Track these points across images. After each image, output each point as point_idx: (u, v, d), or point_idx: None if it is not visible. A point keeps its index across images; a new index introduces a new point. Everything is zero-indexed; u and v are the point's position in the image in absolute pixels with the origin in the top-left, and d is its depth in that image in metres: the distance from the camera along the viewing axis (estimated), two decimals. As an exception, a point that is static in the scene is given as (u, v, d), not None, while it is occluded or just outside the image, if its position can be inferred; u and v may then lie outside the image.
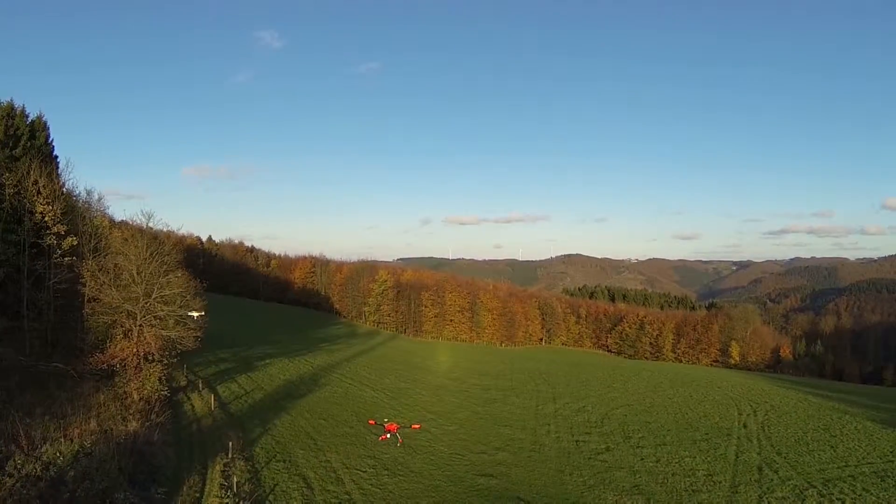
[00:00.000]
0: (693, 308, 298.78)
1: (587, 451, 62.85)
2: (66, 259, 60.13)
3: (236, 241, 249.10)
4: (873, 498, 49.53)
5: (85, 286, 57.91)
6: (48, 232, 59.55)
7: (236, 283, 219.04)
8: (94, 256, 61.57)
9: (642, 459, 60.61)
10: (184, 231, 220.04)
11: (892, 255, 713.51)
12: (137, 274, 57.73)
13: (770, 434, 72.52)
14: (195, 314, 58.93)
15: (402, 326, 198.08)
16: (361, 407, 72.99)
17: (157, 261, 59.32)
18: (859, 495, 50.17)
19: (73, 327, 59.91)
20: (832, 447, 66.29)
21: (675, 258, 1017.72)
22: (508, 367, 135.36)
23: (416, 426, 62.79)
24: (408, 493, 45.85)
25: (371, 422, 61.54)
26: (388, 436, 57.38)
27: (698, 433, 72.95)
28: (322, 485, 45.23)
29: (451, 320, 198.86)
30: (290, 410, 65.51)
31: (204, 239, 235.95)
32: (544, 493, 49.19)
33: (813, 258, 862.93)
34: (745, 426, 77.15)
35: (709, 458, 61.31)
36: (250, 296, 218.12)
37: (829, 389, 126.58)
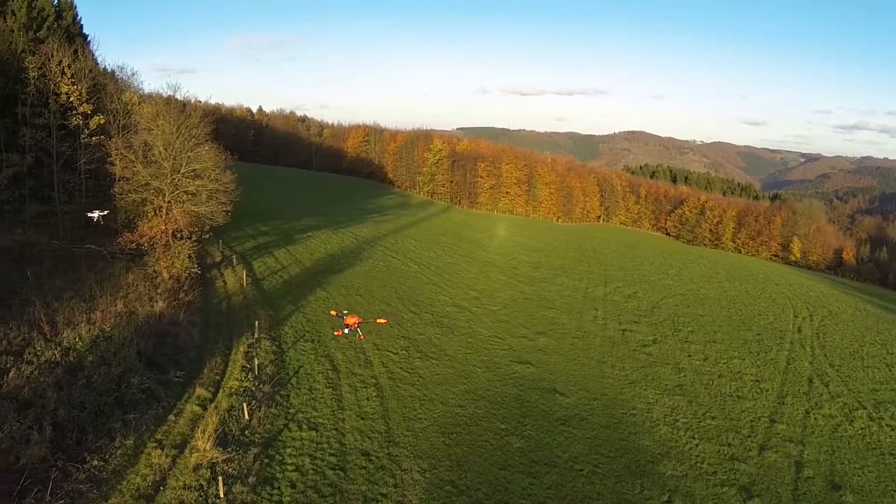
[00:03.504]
0: (757, 197, 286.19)
1: (633, 342, 61.59)
2: (93, 139, 59.35)
3: (287, 112, 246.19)
4: (925, 429, 46.89)
5: (114, 165, 56.94)
6: (74, 112, 58.53)
7: (288, 154, 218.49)
8: (123, 134, 60.32)
9: (689, 356, 59.16)
10: (232, 102, 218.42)
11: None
12: (164, 149, 56.24)
13: (824, 343, 69.81)
14: (96, 214, 56.45)
15: (456, 197, 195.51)
16: (402, 283, 72.25)
17: (184, 135, 57.54)
18: (911, 424, 47.54)
19: (104, 208, 59.58)
20: (888, 366, 63.22)
21: (742, 144, 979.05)
22: (562, 245, 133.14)
23: (382, 321, 54.07)
24: (438, 379, 45.23)
25: (333, 312, 54.07)
26: (347, 331, 50.18)
27: (750, 333, 70.91)
28: (349, 367, 44.87)
29: (507, 193, 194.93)
30: (326, 286, 65.00)
31: (254, 110, 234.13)
32: (582, 385, 48.29)
33: (886, 159, 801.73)
34: (799, 330, 74.50)
35: (758, 362, 59.60)
36: (302, 166, 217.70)
37: (891, 300, 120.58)
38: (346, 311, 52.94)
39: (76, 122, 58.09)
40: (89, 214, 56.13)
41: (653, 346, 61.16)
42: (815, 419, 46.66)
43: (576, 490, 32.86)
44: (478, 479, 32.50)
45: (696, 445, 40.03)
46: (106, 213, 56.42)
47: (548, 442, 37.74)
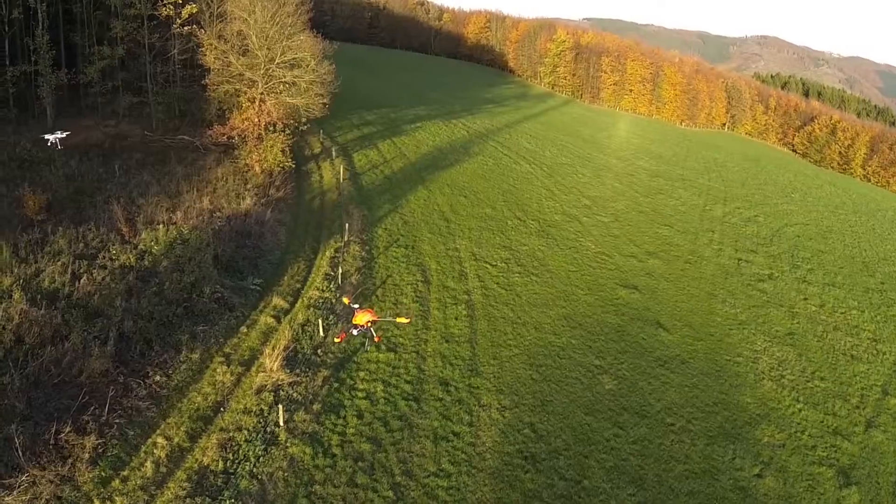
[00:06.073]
0: (894, 123, 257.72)
1: (747, 275, 56.67)
2: (185, 28, 58.05)
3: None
4: None
5: (206, 56, 55.34)
6: (165, 2, 56.99)
7: (405, 37, 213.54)
8: (219, 22, 58.43)
9: (805, 299, 54.01)
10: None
11: None
12: (258, 39, 53.84)
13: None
14: (52, 136, 49.30)
15: (577, 91, 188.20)
16: (512, 184, 68.52)
17: (279, 23, 54.79)
18: None
19: (199, 98, 58.61)
20: None
21: (882, 61, 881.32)
22: (683, 153, 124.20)
23: (405, 320, 35.85)
24: (535, 299, 42.32)
25: (346, 300, 35.47)
26: (354, 332, 32.54)
27: (873, 279, 64.11)
28: (441, 279, 42.56)
29: (631, 90, 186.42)
30: (429, 184, 62.20)
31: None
32: (688, 321, 44.43)
33: None
34: (927, 286, 65.90)
35: (878, 317, 53.62)
36: (420, 50, 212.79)
37: None
38: (357, 305, 34.69)
39: (167, 13, 56.54)
40: (46, 137, 48.91)
41: (768, 281, 56.25)
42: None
43: (662, 448, 30.00)
44: (560, 423, 30.03)
45: (800, 411, 36.40)
46: (65, 135, 49.86)
47: (642, 386, 34.77)
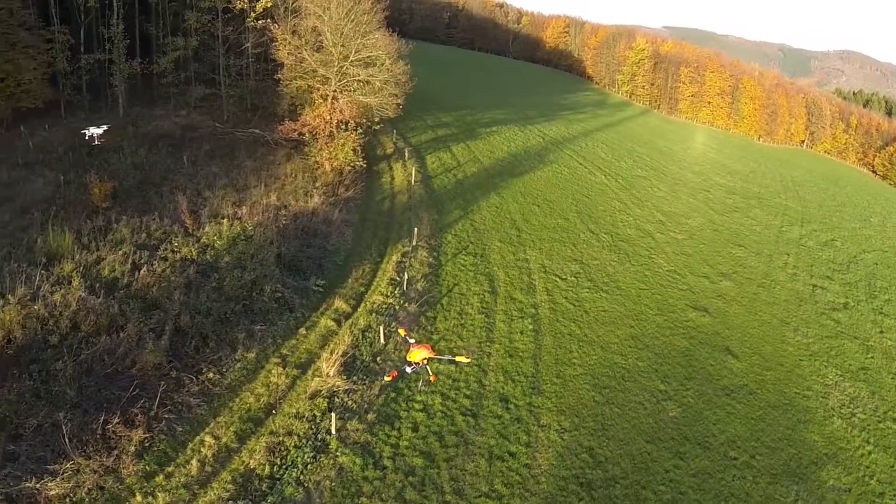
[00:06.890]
0: None
1: (822, 304, 53.61)
2: (259, 22, 58.58)
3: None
4: None
5: (279, 51, 55.68)
6: None
7: (483, 39, 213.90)
8: (294, 17, 58.79)
9: (881, 332, 50.63)
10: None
11: None
12: (332, 36, 53.85)
13: None
14: (91, 130, 49.53)
15: (655, 101, 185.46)
16: (584, 195, 66.80)
17: (354, 21, 54.72)
18: None
19: (271, 93, 59.17)
20: None
21: None
22: (760, 169, 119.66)
23: (465, 358, 32.47)
24: (604, 317, 40.72)
25: (402, 332, 33.30)
26: (408, 370, 30.36)
27: None
28: (508, 291, 41.33)
29: (709, 103, 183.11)
30: (502, 191, 61.02)
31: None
32: (758, 349, 42.07)
33: None
34: None
35: None
36: (498, 52, 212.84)
37: None
38: (412, 339, 32.77)
39: (241, 6, 57.26)
40: (83, 131, 49.44)
41: (843, 311, 53.06)
42: None
43: (723, 484, 28.21)
44: (620, 450, 28.57)
45: (869, 453, 33.85)
46: (103, 129, 49.94)
47: (707, 415, 32.94)
